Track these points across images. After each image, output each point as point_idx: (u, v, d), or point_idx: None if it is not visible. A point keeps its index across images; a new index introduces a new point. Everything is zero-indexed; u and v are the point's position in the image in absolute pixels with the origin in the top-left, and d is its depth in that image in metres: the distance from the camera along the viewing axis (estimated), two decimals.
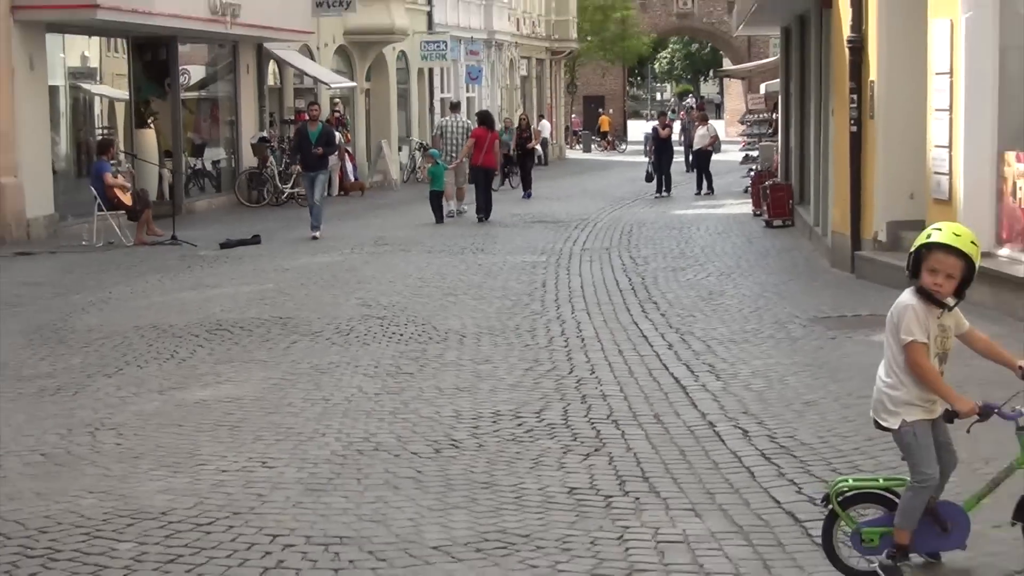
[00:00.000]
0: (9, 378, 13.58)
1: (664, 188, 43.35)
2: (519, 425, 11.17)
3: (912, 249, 7.23)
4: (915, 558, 7.42)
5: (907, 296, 7.23)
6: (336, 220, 32.20)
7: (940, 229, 7.18)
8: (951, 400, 7.14)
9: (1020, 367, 7.22)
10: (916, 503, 7.22)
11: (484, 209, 33.40)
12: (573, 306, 18.10)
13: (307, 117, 30.45)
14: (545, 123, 71.39)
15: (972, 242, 7.13)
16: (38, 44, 28.71)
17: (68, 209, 29.62)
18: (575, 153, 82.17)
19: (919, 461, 7.21)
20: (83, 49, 32.50)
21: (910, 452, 7.27)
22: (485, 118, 35.73)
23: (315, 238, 27.66)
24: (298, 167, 32.31)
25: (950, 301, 7.19)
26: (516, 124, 47.79)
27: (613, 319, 16.93)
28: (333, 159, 34.26)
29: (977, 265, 7.23)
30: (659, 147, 44.93)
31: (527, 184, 42.62)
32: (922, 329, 7.14)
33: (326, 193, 29.94)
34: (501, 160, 40.16)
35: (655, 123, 49.28)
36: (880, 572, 7.30)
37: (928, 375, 7.13)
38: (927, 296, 7.16)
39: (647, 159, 49.11)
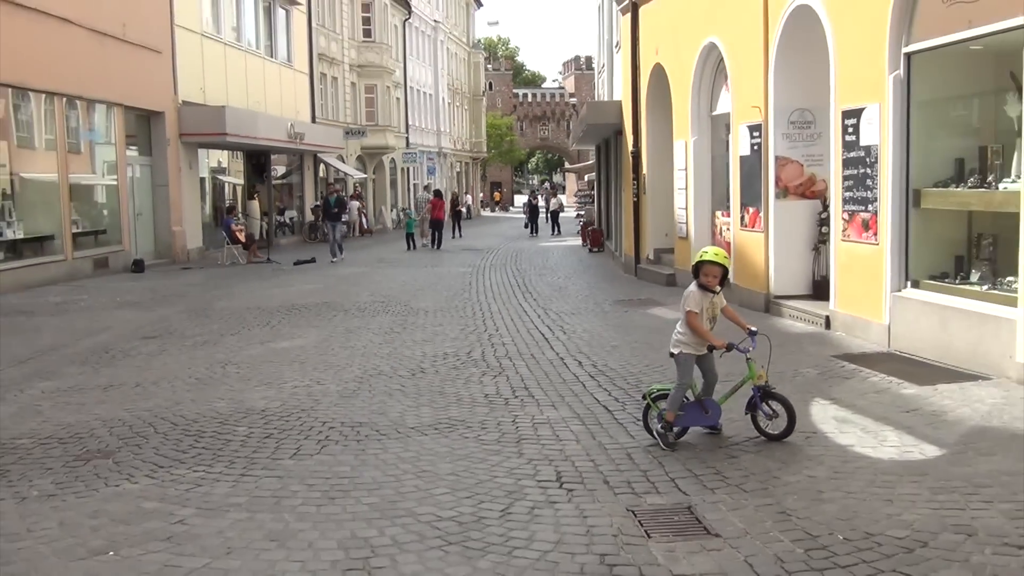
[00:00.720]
0: (177, 336, 13.32)
1: (534, 232, 43.44)
2: (458, 360, 11.07)
3: (693, 263, 7.39)
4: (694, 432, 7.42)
5: (692, 286, 7.33)
6: (357, 250, 31.96)
7: (706, 251, 7.31)
8: (711, 341, 7.21)
9: (747, 328, 7.23)
10: (676, 396, 7.25)
11: (437, 243, 33.68)
12: (486, 295, 18.02)
13: (331, 192, 29.79)
14: (468, 197, 71.33)
15: (725, 257, 7.27)
16: (193, 154, 28.22)
17: (210, 243, 29.16)
18: (486, 212, 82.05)
19: (683, 374, 7.29)
20: (218, 157, 31.99)
21: (680, 368, 7.31)
22: (437, 193, 36.21)
23: (332, 262, 26.08)
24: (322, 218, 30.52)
25: (717, 289, 7.28)
26: (449, 197, 45.98)
27: (507, 302, 16.87)
28: (353, 214, 34.21)
29: (729, 269, 7.44)
30: (531, 210, 45.12)
31: (457, 230, 40.97)
32: (696, 304, 7.23)
33: (340, 236, 27.78)
34: (448, 217, 40.17)
35: (529, 196, 49.49)
36: (658, 432, 7.33)
37: (698, 329, 7.21)
38: (703, 287, 7.26)
39: (524, 216, 49.36)
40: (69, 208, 21.95)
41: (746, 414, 7.49)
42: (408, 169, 56.13)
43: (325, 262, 27.00)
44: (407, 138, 55.30)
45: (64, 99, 21.68)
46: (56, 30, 21.20)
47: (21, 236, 20.38)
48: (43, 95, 21.07)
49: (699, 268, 7.27)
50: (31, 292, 19.09)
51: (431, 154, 60.26)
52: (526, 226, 45.24)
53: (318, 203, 39.25)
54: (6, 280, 19.18)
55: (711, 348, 7.25)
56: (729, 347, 7.14)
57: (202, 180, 29.70)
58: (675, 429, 7.29)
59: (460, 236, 39.47)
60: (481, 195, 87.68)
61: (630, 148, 21.40)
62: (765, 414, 7.32)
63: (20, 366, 11.27)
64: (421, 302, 16.87)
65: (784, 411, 7.27)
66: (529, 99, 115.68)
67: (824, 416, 7.96)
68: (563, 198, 54.85)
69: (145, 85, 25.42)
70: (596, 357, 11.05)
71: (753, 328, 7.24)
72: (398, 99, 53.55)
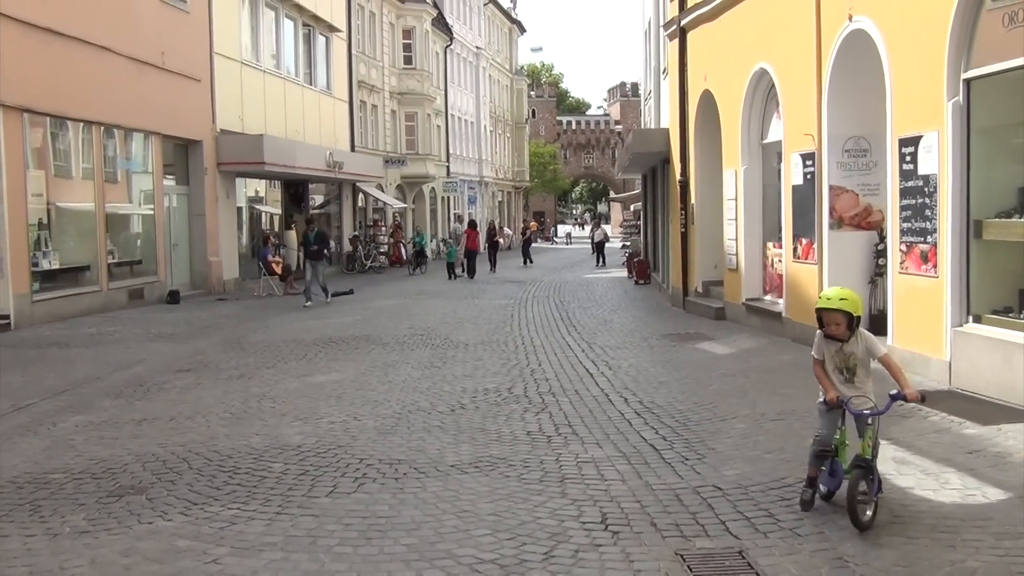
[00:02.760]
0: (212, 369, 13.43)
1: (602, 263, 43.50)
2: (499, 396, 11.05)
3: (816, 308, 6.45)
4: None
5: (818, 332, 6.46)
6: (395, 281, 32.14)
7: (821, 296, 6.38)
8: (826, 391, 6.36)
9: (901, 394, 6.29)
10: (812, 447, 6.52)
11: (471, 272, 34.85)
12: (528, 329, 18.00)
13: (309, 227, 24.80)
14: (507, 230, 71.64)
15: (841, 299, 6.26)
16: (231, 184, 28.58)
17: (246, 274, 29.45)
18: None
19: (821, 424, 6.49)
20: (255, 186, 32.37)
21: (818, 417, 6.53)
22: (471, 224, 37.84)
23: (306, 307, 22.72)
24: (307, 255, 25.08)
25: (845, 337, 6.32)
26: (489, 226, 45.06)
27: (550, 336, 16.84)
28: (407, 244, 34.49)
29: (856, 311, 6.28)
30: (599, 243, 45.35)
31: (493, 264, 39.37)
32: (819, 352, 6.42)
33: (323, 277, 23.99)
34: (484, 248, 40.74)
35: (594, 226, 50.22)
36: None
37: (817, 377, 6.43)
38: (830, 335, 6.38)
39: (592, 247, 50.41)
40: (105, 238, 22.28)
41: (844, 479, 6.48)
42: (449, 198, 56.45)
43: (364, 293, 27.14)
44: (448, 167, 55.66)
45: (102, 128, 22.07)
46: (95, 58, 21.61)
47: (57, 266, 20.69)
48: (80, 124, 21.46)
49: (820, 315, 6.36)
50: (66, 323, 19.36)
51: (472, 183, 60.56)
52: (593, 252, 46.11)
53: (356, 233, 39.55)
54: (41, 311, 19.48)
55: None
56: (839, 402, 6.28)
57: (239, 210, 30.04)
58: (822, 488, 6.54)
59: (493, 271, 38.19)
60: (528, 224, 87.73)
61: (678, 177, 21.36)
62: (861, 493, 6.15)
63: (54, 399, 11.41)
64: (461, 335, 16.88)
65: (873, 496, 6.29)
66: (573, 127, 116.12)
67: (882, 456, 7.80)
68: (608, 228, 54.80)
69: (183, 114, 25.82)
70: (643, 393, 10.97)
71: (899, 392, 6.28)
72: (439, 127, 53.94)
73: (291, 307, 23.20)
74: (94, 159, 21.90)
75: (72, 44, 20.77)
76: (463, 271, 35.08)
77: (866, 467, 6.17)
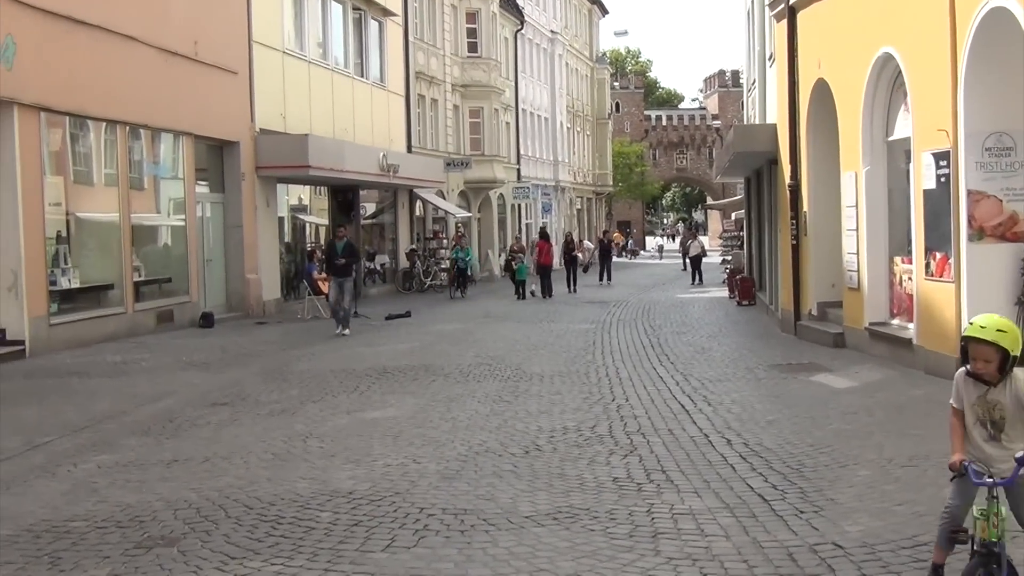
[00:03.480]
0: (251, 403, 13.60)
1: (696, 281, 43.32)
2: (580, 435, 11.03)
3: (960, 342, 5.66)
4: None
5: (959, 371, 5.69)
6: (457, 302, 32.33)
7: (972, 323, 5.56)
8: (952, 450, 5.63)
9: None
10: (940, 523, 5.81)
11: (546, 291, 35.47)
12: (613, 357, 17.97)
13: (338, 236, 24.28)
14: (587, 242, 71.60)
15: (999, 330, 5.45)
16: (271, 190, 29.01)
17: (289, 293, 29.81)
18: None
19: (952, 493, 5.73)
20: (299, 193, 32.81)
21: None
22: (544, 234, 38.62)
23: (340, 335, 22.43)
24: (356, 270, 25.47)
25: (992, 379, 5.52)
26: (565, 238, 45.13)
27: (639, 366, 16.79)
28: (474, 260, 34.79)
29: (1014, 349, 5.48)
30: (695, 257, 45.07)
31: (572, 283, 38.78)
32: (957, 398, 5.61)
33: (349, 299, 23.47)
34: (561, 263, 40.91)
35: (686, 236, 50.17)
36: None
37: (951, 430, 5.67)
38: (975, 375, 5.57)
39: (683, 262, 50.88)
40: (131, 253, 22.72)
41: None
42: (519, 206, 56.69)
43: (423, 315, 27.31)
44: (518, 170, 55.90)
45: (127, 128, 22.54)
46: (119, 50, 22.11)
47: (77, 285, 21.15)
48: (103, 123, 21.94)
49: (966, 347, 5.59)
50: (87, 349, 19.76)
51: (546, 188, 60.75)
52: (684, 269, 45.72)
53: (413, 247, 39.85)
54: (60, 335, 19.90)
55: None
56: (961, 468, 5.48)
57: (280, 220, 30.46)
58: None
59: (574, 290, 38.02)
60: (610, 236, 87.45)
61: (787, 181, 21.20)
62: None
63: (73, 436, 11.64)
64: (536, 365, 16.89)
65: None
66: (664, 122, 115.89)
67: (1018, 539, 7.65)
68: (705, 240, 54.60)
69: (218, 111, 26.29)
70: (748, 434, 10.88)
71: None
72: (508, 124, 54.20)
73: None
74: (118, 163, 22.36)
75: (94, 34, 21.26)
76: (537, 291, 35.23)
77: (987, 553, 5.44)
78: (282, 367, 17.23)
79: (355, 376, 15.90)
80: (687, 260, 53.65)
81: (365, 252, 37.24)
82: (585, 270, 46.57)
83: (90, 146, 21.97)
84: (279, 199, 30.06)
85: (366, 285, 36.39)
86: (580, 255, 48.31)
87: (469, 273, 38.76)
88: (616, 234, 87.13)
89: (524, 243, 44.75)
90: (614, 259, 49.46)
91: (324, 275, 28.03)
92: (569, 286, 38.32)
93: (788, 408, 12.46)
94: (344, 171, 30.80)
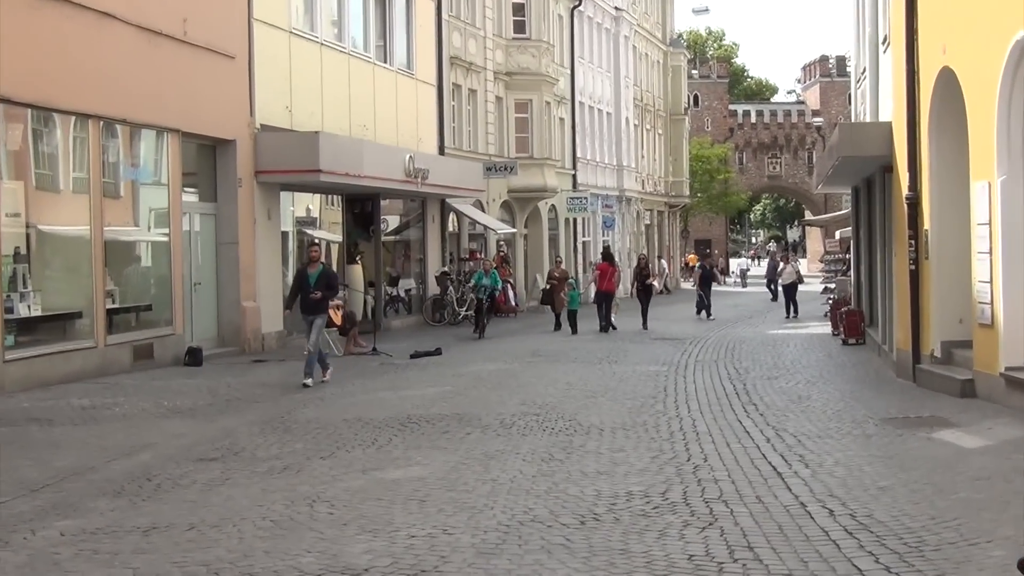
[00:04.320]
0: (246, 459, 13.63)
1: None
2: (647, 503, 10.98)
3: None
4: None
5: None
6: (500, 337, 32.36)
7: None
8: None
9: None
10: None
11: (604, 324, 35.26)
12: (689, 407, 17.90)
13: (311, 257, 22.82)
14: (663, 262, 71.46)
15: None
16: (274, 200, 29.20)
17: (293, 326, 29.82)
18: (687, 285, 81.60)
19: None
20: (307, 203, 32.97)
21: None
22: (606, 255, 38.27)
23: (307, 385, 20.84)
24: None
25: None
26: (637, 262, 43.49)
27: (721, 417, 16.71)
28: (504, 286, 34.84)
29: None
30: (789, 286, 44.70)
31: (644, 316, 37.77)
32: None
33: (316, 338, 21.72)
34: (633, 292, 40.62)
35: (773, 257, 49.98)
36: None
37: None
38: None
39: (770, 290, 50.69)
40: (103, 274, 22.87)
41: None
42: (575, 221, 56.72)
43: (457, 352, 27.31)
44: (574, 176, 55.98)
45: (100, 123, 22.74)
46: (93, 29, 22.37)
47: (38, 313, 21.30)
48: (73, 117, 22.15)
49: None
50: (49, 391, 19.84)
51: (608, 200, 60.71)
52: (774, 299, 45.15)
53: (445, 269, 39.94)
54: (16, 373, 20.04)
55: None
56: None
57: (284, 236, 30.62)
58: None
59: (645, 327, 37.05)
60: (686, 257, 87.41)
61: (904, 192, 21.07)
62: None
63: (32, 496, 11.69)
64: (593, 415, 16.84)
65: None
66: (753, 119, 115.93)
67: None
68: (802, 264, 54.37)
69: (211, 103, 26.53)
70: (855, 503, 10.79)
71: None
72: (562, 120, 54.35)
73: (356, 372, 23.51)
74: (90, 166, 22.52)
75: (62, 9, 21.50)
76: (615, 321, 35.44)
77: None
78: (284, 415, 17.27)
79: (373, 427, 15.91)
80: (774, 288, 53.57)
81: (387, 275, 37.38)
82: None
83: (56, 145, 22.17)
84: (283, 210, 30.27)
85: (387, 316, 36.51)
86: (655, 283, 48.23)
87: (514, 302, 38.91)
88: (691, 256, 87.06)
89: (577, 265, 44.80)
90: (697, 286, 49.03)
91: (338, 301, 28.08)
92: (644, 321, 37.30)
93: (904, 472, 12.34)
94: (362, 176, 31.01)
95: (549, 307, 38.59)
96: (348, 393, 20.04)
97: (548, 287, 38.76)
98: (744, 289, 74.21)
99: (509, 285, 43.78)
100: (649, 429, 15.59)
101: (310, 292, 21.71)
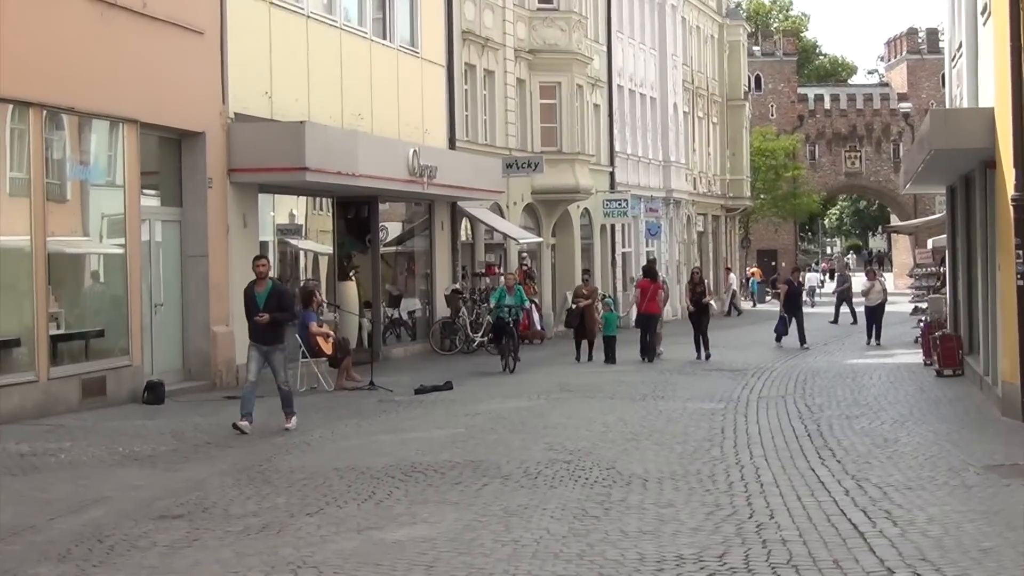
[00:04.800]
0: (217, 516, 13.62)
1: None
2: (701, 569, 10.94)
3: None
4: None
5: None
6: (523, 369, 32.34)
7: None
8: None
9: None
10: None
11: (646, 351, 35.45)
12: (751, 452, 17.85)
13: (258, 270, 21.74)
14: (732, 276, 71.45)
15: None
16: (251, 204, 29.27)
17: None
18: (747, 304, 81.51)
19: None
20: (291, 207, 33.04)
21: None
22: (649, 270, 38.23)
23: (288, 429, 20.78)
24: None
25: None
26: (689, 278, 42.89)
27: (791, 465, 16.66)
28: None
29: None
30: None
31: (705, 344, 37.12)
32: None
33: (284, 373, 21.31)
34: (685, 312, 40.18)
35: (844, 269, 49.84)
36: None
37: None
38: None
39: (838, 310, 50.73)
40: (46, 294, 22.92)
41: None
42: (613, 228, 56.70)
43: (471, 387, 27.28)
44: (612, 174, 55.96)
45: (43, 112, 22.80)
46: (34, 1, 22.45)
47: None
48: (9, 106, 22.19)
49: None
50: None
51: (653, 202, 60.68)
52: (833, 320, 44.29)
53: (457, 287, 39.91)
54: None
55: None
56: None
57: (263, 246, 30.59)
58: None
59: (708, 357, 36.75)
60: (748, 272, 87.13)
61: (1010, 193, 20.99)
62: None
63: None
64: (635, 463, 16.79)
65: None
66: (827, 105, 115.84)
67: None
68: (886, 279, 54.01)
69: (175, 88, 26.57)
70: (952, 568, 10.75)
71: None
72: (597, 107, 54.36)
73: (349, 410, 23.57)
74: (30, 163, 22.58)
75: None
76: (660, 351, 35.47)
77: None
78: (263, 463, 17.26)
79: (370, 477, 15.89)
80: (841, 308, 53.52)
81: (387, 294, 37.39)
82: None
83: None
84: (262, 216, 30.40)
85: (386, 343, 36.51)
86: (713, 301, 47.64)
87: (539, 325, 38.73)
88: (754, 269, 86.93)
89: (616, 282, 44.59)
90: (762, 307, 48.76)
91: (326, 329, 28.12)
92: (698, 349, 36.89)
93: (1012, 531, 12.28)
94: (357, 176, 31.06)
95: (573, 332, 37.79)
96: (340, 436, 20.02)
97: (573, 307, 38.09)
98: (812, 310, 73.88)
99: (534, 306, 43.58)
100: (703, 479, 15.54)
101: (256, 314, 20.99)
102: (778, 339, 43.00)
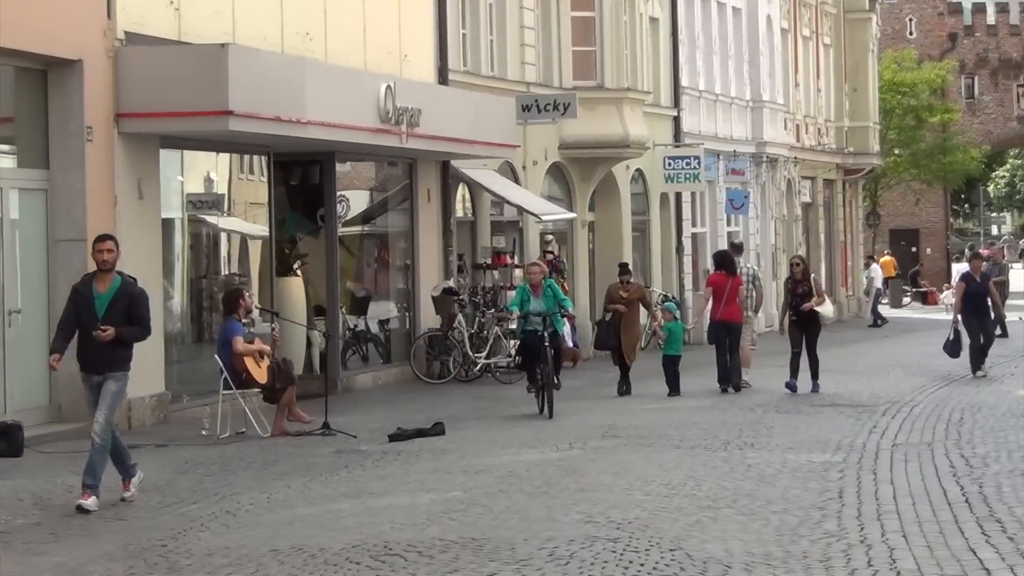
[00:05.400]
0: None
1: (980, 366, 42.33)
2: None
3: None
4: None
5: None
6: (560, 399, 32.31)
7: None
8: None
9: None
10: None
11: (726, 377, 35.35)
12: (883, 526, 17.80)
13: (100, 259, 20.88)
14: (876, 268, 71.42)
15: None
16: (149, 164, 29.35)
17: (183, 386, 30.01)
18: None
19: None
20: (208, 170, 33.05)
21: None
22: (723, 259, 37.58)
23: (83, 509, 19.36)
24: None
25: None
26: (788, 272, 41.74)
27: (940, 544, 16.60)
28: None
29: None
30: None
31: (813, 368, 36.87)
32: None
33: (105, 417, 20.09)
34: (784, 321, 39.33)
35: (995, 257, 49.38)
36: None
37: None
38: None
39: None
40: None
41: None
42: (678, 199, 56.70)
43: (472, 430, 27.32)
44: (676, 120, 56.02)
45: None
46: None
47: None
48: None
49: None
50: None
51: (737, 161, 60.71)
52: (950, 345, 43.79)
53: (450, 284, 39.88)
54: None
55: None
56: None
57: (168, 225, 30.71)
58: None
59: (813, 386, 36.49)
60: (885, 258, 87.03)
61: None
62: None
63: None
64: (713, 542, 16.85)
65: None
66: (990, 18, 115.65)
67: None
68: None
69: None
70: None
71: None
72: (654, 22, 54.36)
73: (295, 466, 23.65)
74: None
75: None
76: (746, 380, 35.36)
77: None
78: (167, 541, 17.27)
79: (323, 563, 15.92)
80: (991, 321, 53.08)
81: (347, 295, 37.41)
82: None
83: None
84: (165, 182, 30.55)
85: (347, 366, 36.52)
86: (819, 307, 47.18)
87: (570, 341, 38.56)
88: (886, 258, 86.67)
89: (682, 277, 44.29)
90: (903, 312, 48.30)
91: (259, 345, 28.08)
92: (795, 372, 36.50)
93: None
94: (304, 123, 31.24)
95: (610, 354, 37.12)
96: (280, 503, 20.08)
97: (607, 316, 37.22)
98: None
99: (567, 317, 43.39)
100: (813, 565, 15.55)
101: (95, 328, 20.08)
102: (952, 353, 42.01)
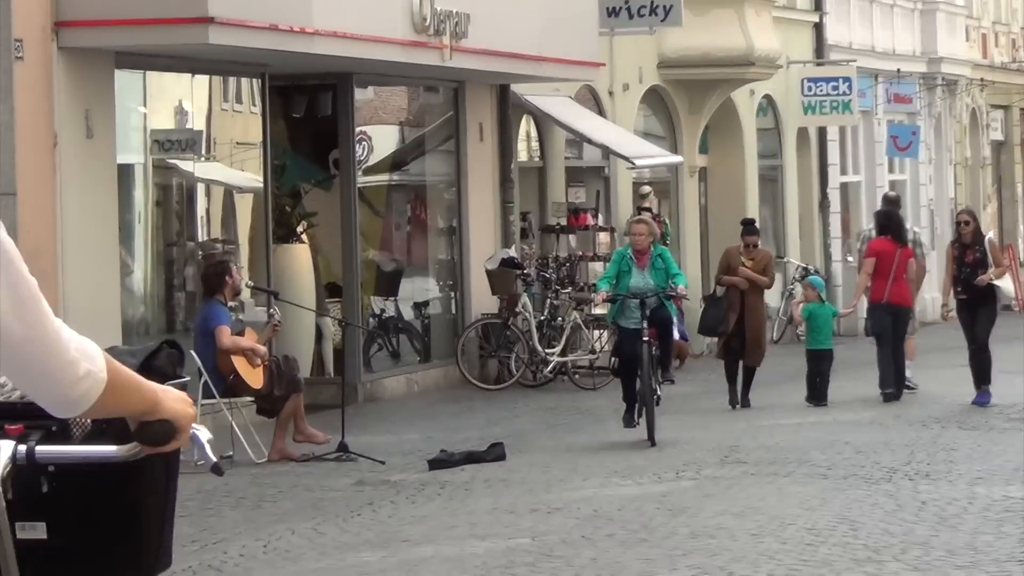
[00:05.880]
0: None
1: None
2: None
3: None
4: None
5: None
6: (667, 410, 32.25)
7: None
8: None
9: None
10: None
11: (893, 381, 35.01)
12: None
13: None
14: None
15: None
16: (100, 91, 29.31)
17: None
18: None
19: None
20: (181, 98, 33.04)
21: None
22: (888, 221, 36.99)
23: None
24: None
25: None
26: (956, 232, 40.36)
27: None
28: None
29: None
30: None
31: (983, 366, 36.18)
32: None
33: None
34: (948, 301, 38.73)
35: None
36: None
37: None
38: None
39: None
40: None
41: None
42: (823, 135, 56.69)
43: (542, 453, 27.32)
44: (817, 29, 56.04)
45: None
46: None
47: None
48: None
49: None
50: None
51: (899, 85, 60.65)
52: None
53: (512, 254, 39.84)
54: None
55: None
56: None
57: (125, 173, 30.69)
58: None
59: (984, 400, 36.06)
60: None
61: None
62: None
63: None
64: None
65: None
66: None
67: None
68: None
69: None
70: None
71: None
72: None
73: (304, 501, 23.77)
74: None
75: None
76: (911, 382, 35.12)
77: None
78: None
79: None
80: None
81: (372, 268, 37.43)
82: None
83: None
84: (121, 116, 30.60)
85: (370, 366, 36.56)
86: (1002, 281, 46.78)
87: (677, 333, 38.51)
88: None
89: (827, 244, 44.23)
90: None
91: (250, 339, 28.03)
92: (982, 379, 36.04)
93: None
94: (314, 32, 31.29)
95: (722, 347, 36.42)
96: (282, 554, 20.06)
97: (715, 293, 36.05)
98: None
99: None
100: None
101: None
102: None
